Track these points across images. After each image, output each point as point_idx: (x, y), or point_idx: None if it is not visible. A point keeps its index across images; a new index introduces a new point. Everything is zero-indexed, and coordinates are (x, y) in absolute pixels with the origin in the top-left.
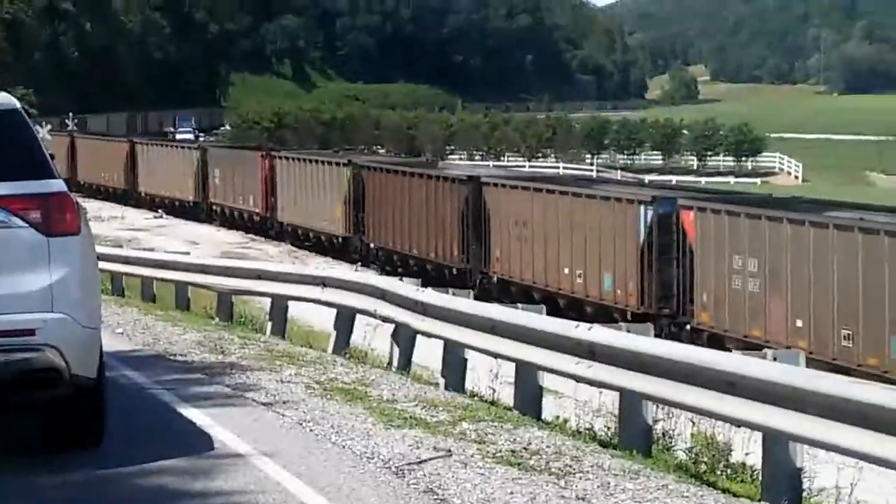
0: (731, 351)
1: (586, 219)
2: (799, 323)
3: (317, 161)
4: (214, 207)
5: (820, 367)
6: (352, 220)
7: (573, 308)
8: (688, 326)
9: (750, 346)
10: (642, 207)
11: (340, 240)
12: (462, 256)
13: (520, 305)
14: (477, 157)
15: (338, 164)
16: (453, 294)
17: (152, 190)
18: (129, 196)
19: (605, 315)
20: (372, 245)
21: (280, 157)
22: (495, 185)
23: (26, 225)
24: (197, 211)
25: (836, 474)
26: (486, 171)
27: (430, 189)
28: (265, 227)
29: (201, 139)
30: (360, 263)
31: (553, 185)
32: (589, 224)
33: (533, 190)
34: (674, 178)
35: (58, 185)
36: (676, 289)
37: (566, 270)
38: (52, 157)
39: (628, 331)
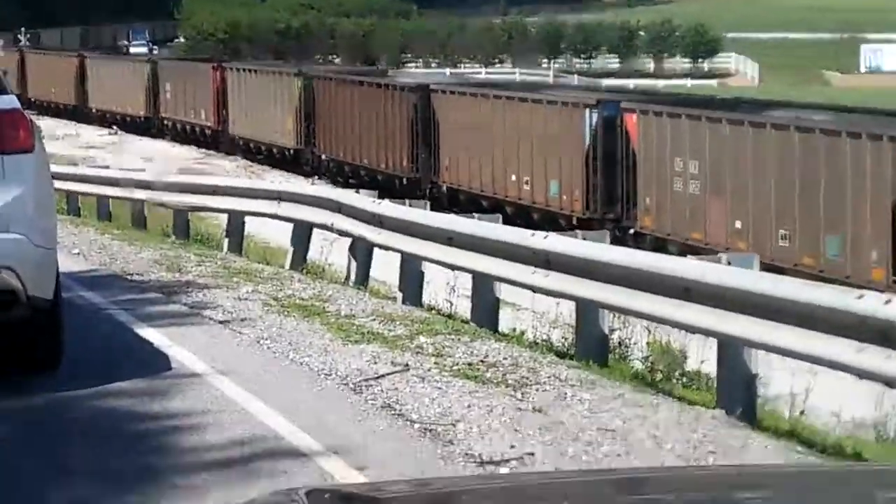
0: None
1: (532, 124)
2: (738, 224)
3: (268, 72)
4: (166, 122)
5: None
6: (303, 132)
7: (521, 216)
8: (632, 231)
9: (691, 250)
10: (587, 111)
11: (292, 152)
12: (412, 166)
13: (476, 215)
14: (433, 65)
15: (288, 74)
16: (410, 205)
17: (103, 106)
18: (79, 112)
19: (551, 221)
20: (323, 157)
21: (231, 69)
22: (443, 91)
23: None
24: (148, 126)
25: (791, 380)
26: (435, 79)
27: (380, 98)
28: (217, 140)
29: (155, 52)
30: (316, 177)
31: (500, 90)
32: (535, 130)
33: (480, 96)
34: (632, 83)
35: (10, 101)
36: (621, 193)
37: (513, 177)
38: (5, 73)
39: (584, 238)
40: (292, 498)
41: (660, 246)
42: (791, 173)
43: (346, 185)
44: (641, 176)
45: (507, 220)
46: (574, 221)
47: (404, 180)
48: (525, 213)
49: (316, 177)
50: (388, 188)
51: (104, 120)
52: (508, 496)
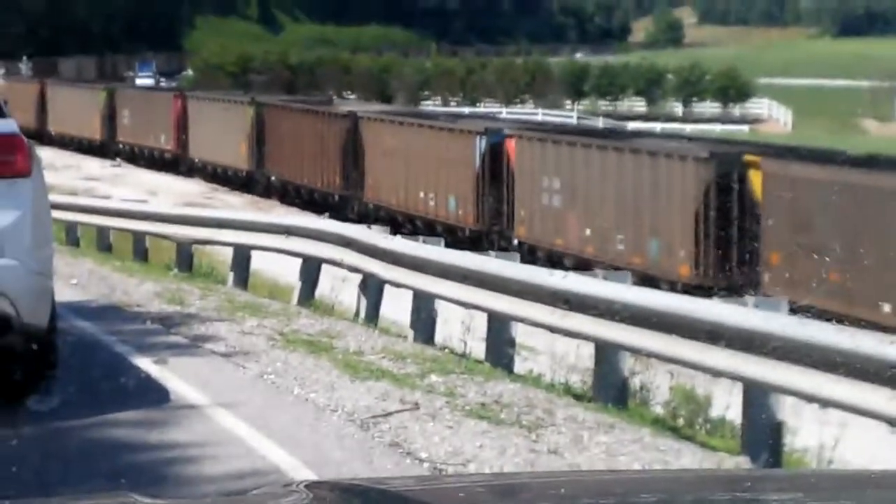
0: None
1: (438, 148)
2: (588, 232)
3: (224, 101)
4: (122, 146)
5: (600, 266)
6: (255, 155)
7: (428, 229)
8: (515, 241)
9: (553, 255)
10: (477, 138)
11: (245, 173)
12: (343, 183)
13: (492, 252)
14: (453, 103)
15: (242, 102)
16: (423, 241)
17: (62, 130)
18: (41, 135)
19: (450, 232)
20: (272, 178)
21: (192, 97)
22: (370, 119)
23: None
24: (104, 150)
25: (820, 430)
26: (366, 108)
27: (318, 124)
28: (177, 163)
29: (162, 84)
30: (327, 214)
31: (412, 118)
32: (439, 154)
33: (397, 123)
34: (658, 126)
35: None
36: (507, 207)
37: (422, 195)
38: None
39: (605, 278)
40: (292, 490)
41: (531, 253)
42: (626, 188)
43: (290, 202)
44: (517, 192)
45: (417, 232)
46: (467, 232)
47: (336, 197)
48: (431, 226)
49: (327, 214)
50: (323, 205)
51: (62, 143)
52: (516, 492)
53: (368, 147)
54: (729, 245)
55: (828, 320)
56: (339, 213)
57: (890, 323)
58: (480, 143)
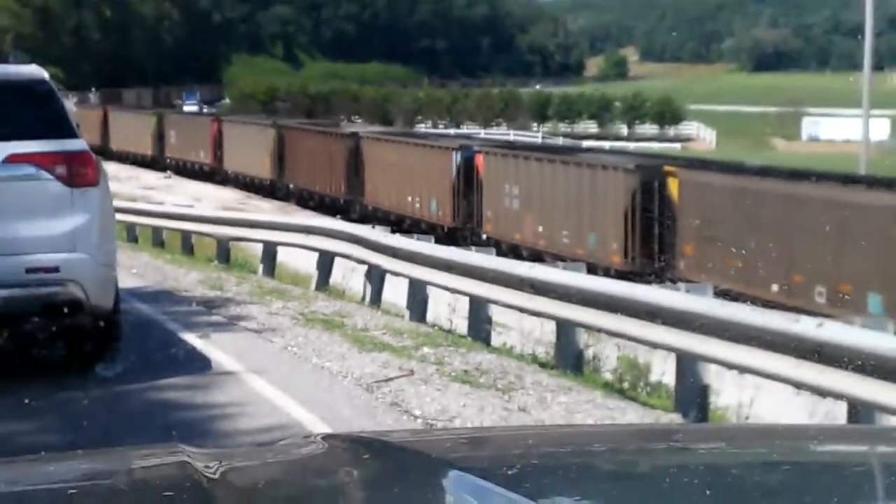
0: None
1: (422, 162)
2: (540, 229)
3: (251, 123)
4: (169, 160)
5: (549, 257)
6: (276, 167)
7: (414, 226)
8: (484, 236)
9: (514, 248)
10: (453, 153)
11: (269, 181)
12: (347, 190)
13: (472, 248)
14: (441, 126)
15: (266, 125)
16: (417, 238)
17: (121, 147)
18: (104, 152)
19: (431, 229)
20: (291, 186)
21: (226, 121)
22: (369, 138)
23: (53, 178)
24: (155, 164)
25: (738, 392)
26: (366, 129)
27: (328, 142)
28: (214, 173)
29: (205, 110)
30: (339, 216)
31: (401, 137)
32: (423, 166)
33: (389, 141)
34: (607, 144)
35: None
36: (476, 209)
37: (410, 198)
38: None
39: (564, 268)
40: (311, 441)
41: (497, 246)
42: (570, 193)
43: (305, 204)
44: (485, 196)
45: (407, 229)
46: (445, 229)
47: (342, 201)
48: (417, 224)
49: (338, 215)
50: (332, 206)
51: (121, 158)
52: (492, 443)
53: (367, 160)
54: (652, 238)
55: (734, 300)
56: (345, 214)
57: (775, 299)
58: (456, 158)
